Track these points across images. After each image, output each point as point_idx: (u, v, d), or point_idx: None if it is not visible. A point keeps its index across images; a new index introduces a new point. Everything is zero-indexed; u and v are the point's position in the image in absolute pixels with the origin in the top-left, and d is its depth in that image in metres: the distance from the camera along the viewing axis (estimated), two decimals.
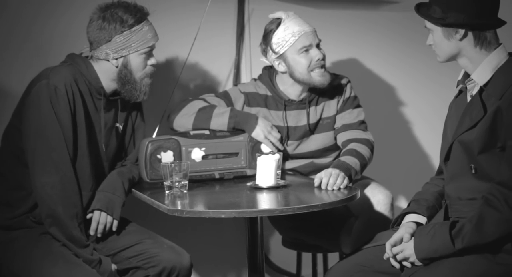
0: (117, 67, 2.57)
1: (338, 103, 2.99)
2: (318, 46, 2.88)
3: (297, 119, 2.95)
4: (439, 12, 2.20)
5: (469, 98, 2.27)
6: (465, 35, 2.20)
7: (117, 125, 2.70)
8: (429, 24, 2.25)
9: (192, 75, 3.26)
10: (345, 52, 3.56)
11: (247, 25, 3.33)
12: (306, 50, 2.84)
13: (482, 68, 2.20)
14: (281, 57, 2.87)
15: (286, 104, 2.94)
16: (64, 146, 2.48)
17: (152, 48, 2.62)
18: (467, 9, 2.16)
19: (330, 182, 2.58)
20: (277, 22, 2.87)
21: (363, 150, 2.85)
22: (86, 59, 2.60)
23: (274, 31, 2.86)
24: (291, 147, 2.96)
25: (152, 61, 2.62)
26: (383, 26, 3.62)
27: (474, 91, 2.24)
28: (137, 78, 2.59)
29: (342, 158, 2.77)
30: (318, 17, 3.46)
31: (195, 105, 2.87)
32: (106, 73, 2.59)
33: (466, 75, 2.29)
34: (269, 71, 2.98)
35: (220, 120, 2.82)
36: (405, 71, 3.71)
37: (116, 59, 2.56)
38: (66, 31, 2.73)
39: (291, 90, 2.94)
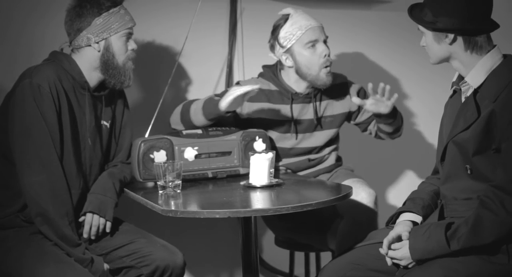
0: (99, 51, 2.58)
1: (348, 103, 3.02)
2: (325, 42, 2.90)
3: (302, 112, 2.97)
4: (430, 16, 2.20)
5: (463, 99, 2.27)
6: (454, 40, 2.20)
7: (103, 122, 2.69)
8: (421, 27, 2.26)
9: (184, 75, 3.25)
10: (337, 51, 3.56)
11: (239, 24, 3.33)
12: (313, 45, 2.86)
13: (476, 71, 2.21)
14: (288, 51, 2.89)
15: (293, 98, 2.95)
16: (51, 144, 2.47)
17: (131, 31, 2.63)
18: (458, 14, 2.16)
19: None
20: (285, 17, 2.90)
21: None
22: (68, 55, 2.61)
23: (282, 25, 2.89)
24: (295, 141, 2.97)
25: (132, 45, 2.64)
26: (375, 25, 3.63)
27: (469, 93, 2.24)
28: (120, 62, 2.61)
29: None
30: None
31: (186, 103, 2.90)
32: (88, 61, 2.59)
33: (460, 77, 2.29)
34: (271, 68, 3.00)
35: (196, 107, 2.82)
36: (398, 70, 3.72)
37: (98, 42, 2.57)
38: (58, 31, 2.73)
39: (295, 86, 2.96)
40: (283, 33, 2.88)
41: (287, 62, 2.91)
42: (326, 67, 2.88)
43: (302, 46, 2.86)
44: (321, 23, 2.91)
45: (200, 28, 3.16)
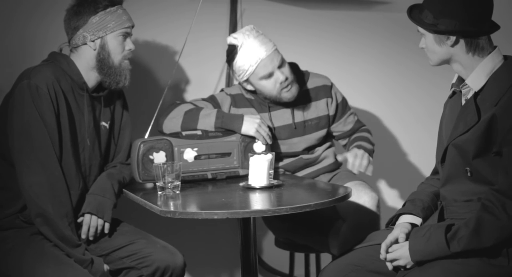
0: (95, 49, 2.59)
1: (328, 105, 3.01)
2: (280, 67, 2.86)
3: (283, 118, 2.96)
4: (431, 18, 2.18)
5: (463, 101, 2.25)
6: (456, 42, 2.18)
7: (103, 123, 2.70)
8: (421, 29, 2.24)
9: (184, 76, 3.25)
10: (337, 53, 3.56)
11: (240, 25, 3.32)
12: (269, 76, 2.85)
13: (476, 73, 2.19)
14: (246, 81, 2.90)
15: (270, 106, 2.95)
16: (50, 145, 2.48)
17: (128, 31, 2.63)
18: (459, 16, 2.14)
19: (357, 163, 2.75)
20: (236, 48, 2.86)
21: (367, 135, 3.06)
22: (66, 55, 2.62)
23: (234, 58, 2.87)
24: (280, 147, 2.97)
25: (129, 45, 2.64)
26: (376, 26, 3.62)
27: (469, 95, 2.23)
28: (116, 62, 2.61)
29: (359, 143, 2.95)
30: (310, 17, 3.47)
31: (182, 109, 2.87)
32: (85, 61, 2.60)
33: (460, 79, 2.27)
34: None
35: (207, 121, 2.82)
36: (398, 71, 3.71)
37: (93, 41, 2.58)
38: (58, 32, 2.73)
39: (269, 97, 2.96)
40: (236, 66, 2.86)
41: (249, 87, 2.92)
42: (286, 87, 2.86)
43: (257, 79, 2.85)
44: (272, 45, 2.86)
45: (200, 29, 3.17)
